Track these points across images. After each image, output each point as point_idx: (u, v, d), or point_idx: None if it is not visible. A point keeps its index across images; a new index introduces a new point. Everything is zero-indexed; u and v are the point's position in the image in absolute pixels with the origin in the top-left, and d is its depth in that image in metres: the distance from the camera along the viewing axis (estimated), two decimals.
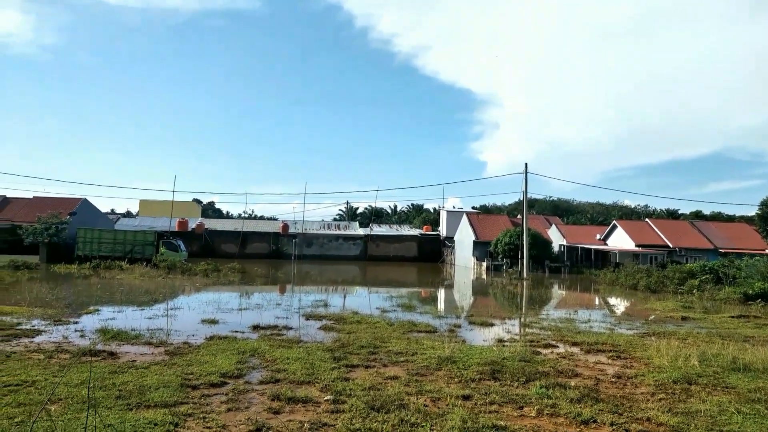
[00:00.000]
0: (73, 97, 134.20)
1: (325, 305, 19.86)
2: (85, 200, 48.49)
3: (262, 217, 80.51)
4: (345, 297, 25.24)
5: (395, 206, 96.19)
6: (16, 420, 6.12)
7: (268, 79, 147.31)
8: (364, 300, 23.87)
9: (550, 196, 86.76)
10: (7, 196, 48.26)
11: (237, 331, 13.51)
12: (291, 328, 14.24)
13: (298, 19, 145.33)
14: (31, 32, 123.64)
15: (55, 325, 13.86)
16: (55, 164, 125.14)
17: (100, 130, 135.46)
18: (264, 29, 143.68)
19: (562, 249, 51.94)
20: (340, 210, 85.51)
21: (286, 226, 59.08)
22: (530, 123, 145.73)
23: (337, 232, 61.49)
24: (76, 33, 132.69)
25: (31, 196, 48.42)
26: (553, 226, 55.61)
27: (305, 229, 59.83)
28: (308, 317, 16.52)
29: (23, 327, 13.24)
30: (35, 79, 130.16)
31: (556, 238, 52.75)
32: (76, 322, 14.38)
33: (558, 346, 12.59)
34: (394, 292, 26.61)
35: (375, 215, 79.95)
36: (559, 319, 17.84)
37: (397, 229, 65.90)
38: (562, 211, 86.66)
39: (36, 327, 13.36)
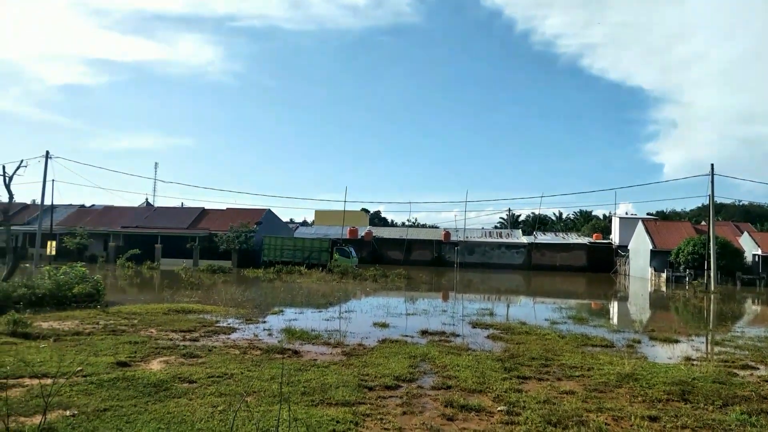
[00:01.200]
0: (256, 117, 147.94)
1: (491, 314, 19.66)
2: (269, 211, 53.17)
3: (424, 225, 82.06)
4: (510, 306, 24.76)
5: (560, 213, 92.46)
6: (219, 408, 6.87)
7: (431, 89, 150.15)
8: (530, 310, 23.22)
9: (740, 201, 77.52)
10: (206, 207, 54.61)
11: (406, 336, 13.89)
12: (458, 335, 14.31)
13: (458, 29, 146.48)
14: (221, 62, 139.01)
15: (246, 323, 15.35)
16: (245, 178, 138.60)
17: (280, 146, 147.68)
18: (426, 42, 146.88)
19: (757, 259, 46.03)
20: (501, 217, 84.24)
21: (447, 234, 59.57)
22: (721, 120, 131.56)
23: (500, 240, 60.59)
24: (258, 59, 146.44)
25: (225, 208, 54.29)
26: (745, 233, 49.50)
27: (467, 237, 59.80)
28: (474, 325, 16.47)
29: (221, 324, 14.85)
30: (226, 102, 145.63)
31: (749, 248, 46.91)
32: (264, 322, 15.80)
33: (759, 368, 11.17)
34: (563, 303, 25.53)
35: (539, 222, 77.41)
36: (758, 338, 15.81)
37: (563, 237, 63.23)
38: (755, 216, 76.86)
39: (231, 325, 14.90)
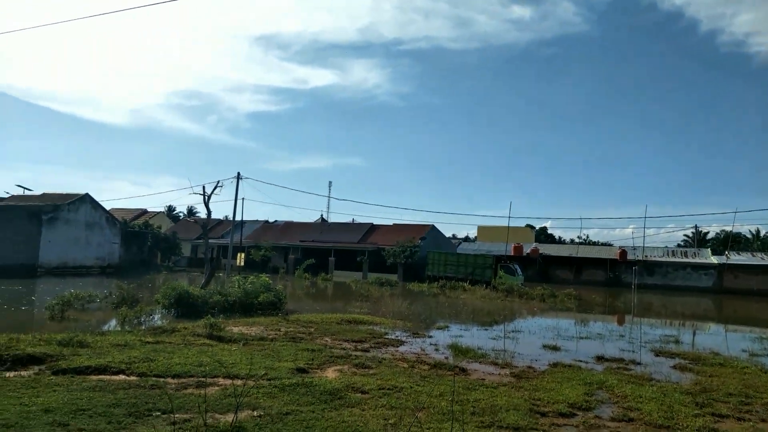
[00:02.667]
0: (421, 135, 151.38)
1: (676, 341, 17.84)
2: (433, 227, 53.90)
3: (596, 243, 77.42)
4: (698, 333, 22.29)
5: (757, 230, 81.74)
6: (390, 422, 6.98)
7: (601, 99, 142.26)
8: (722, 339, 20.70)
9: None
10: (374, 223, 56.88)
11: (580, 360, 13.10)
12: (639, 363, 13.16)
13: (632, 35, 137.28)
14: (389, 84, 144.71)
15: (413, 337, 15.58)
16: (411, 195, 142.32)
17: (444, 162, 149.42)
18: (596, 50, 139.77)
19: None
20: (685, 235, 76.62)
21: (624, 253, 55.54)
22: None
23: (685, 259, 55.07)
24: (423, 80, 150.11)
25: (392, 223, 56.12)
26: None
27: (646, 256, 55.22)
28: (657, 353, 15.05)
29: (389, 337, 15.23)
30: (393, 122, 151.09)
31: None
32: (430, 336, 15.91)
33: None
34: (763, 333, 22.39)
35: (731, 241, 69.14)
36: None
37: (762, 258, 55.77)
38: None
39: (399, 338, 15.21)
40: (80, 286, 24.80)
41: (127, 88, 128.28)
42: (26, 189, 48.44)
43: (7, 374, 8.50)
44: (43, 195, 45.57)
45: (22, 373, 8.65)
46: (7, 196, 46.94)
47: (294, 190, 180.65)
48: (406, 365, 11.04)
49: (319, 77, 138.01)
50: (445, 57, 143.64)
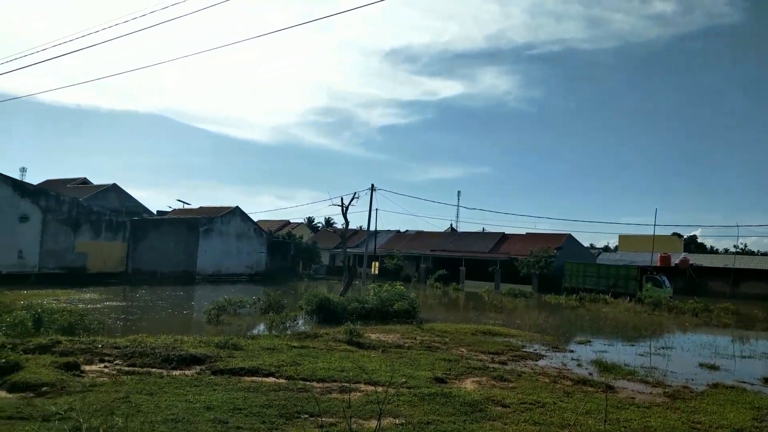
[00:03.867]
0: (554, 141, 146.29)
1: None
2: (570, 236, 51.67)
3: (755, 253, 69.81)
4: None
5: None
6: None
7: (761, 94, 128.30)
8: None
9: None
10: (506, 232, 55.73)
11: (744, 382, 11.85)
12: None
13: None
14: (518, 90, 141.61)
15: (553, 351, 15.00)
16: (544, 203, 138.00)
17: (579, 168, 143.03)
18: (750, 42, 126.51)
19: None
20: None
21: None
22: None
23: None
24: (555, 84, 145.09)
25: (525, 233, 54.59)
26: None
27: None
28: None
29: (527, 350, 14.79)
30: (523, 129, 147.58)
31: None
32: (572, 351, 15.22)
33: None
34: None
35: None
36: None
37: None
38: None
39: (537, 351, 14.72)
40: (232, 292, 26.84)
41: (269, 108, 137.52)
42: (185, 203, 53.56)
43: (174, 372, 9.38)
44: (200, 208, 50.06)
45: (186, 372, 9.50)
46: (170, 210, 52.16)
47: (424, 200, 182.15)
48: (547, 380, 10.65)
49: (448, 88, 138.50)
50: (578, 59, 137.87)
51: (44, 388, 7.73)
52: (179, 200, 52.53)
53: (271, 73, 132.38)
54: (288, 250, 56.52)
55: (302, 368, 9.89)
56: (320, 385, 8.90)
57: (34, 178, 54.83)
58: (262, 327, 18.39)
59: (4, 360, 8.66)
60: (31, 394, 7.48)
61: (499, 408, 8.09)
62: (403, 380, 9.16)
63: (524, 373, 11.25)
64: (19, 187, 36.75)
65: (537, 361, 13.18)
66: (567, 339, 18.17)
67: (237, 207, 48.62)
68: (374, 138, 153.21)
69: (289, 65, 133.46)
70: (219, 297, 21.85)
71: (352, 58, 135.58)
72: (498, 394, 8.95)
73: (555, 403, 8.58)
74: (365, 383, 8.97)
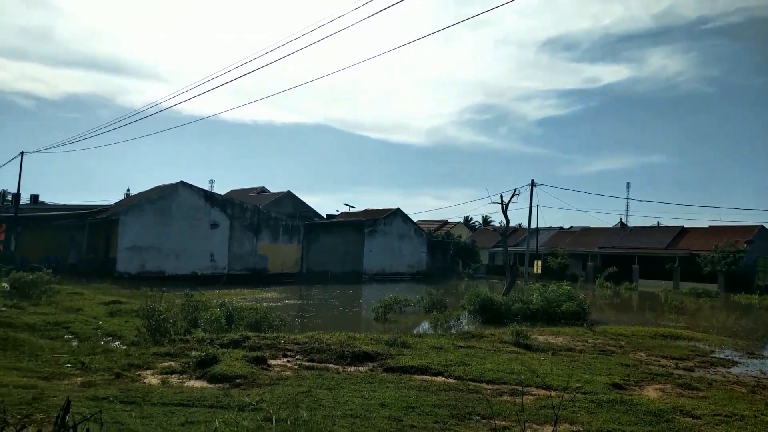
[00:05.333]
0: (740, 123, 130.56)
1: None
2: (763, 227, 45.84)
3: None
4: None
5: None
6: None
7: None
8: None
9: None
10: (685, 226, 50.93)
11: None
12: None
13: None
14: (693, 70, 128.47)
15: (747, 357, 13.43)
16: (732, 191, 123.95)
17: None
18: None
19: None
20: None
21: None
22: None
23: None
24: (737, 58, 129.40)
25: (707, 226, 49.47)
26: None
27: None
28: None
29: (716, 356, 13.38)
30: (701, 112, 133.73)
31: None
32: None
33: None
34: None
35: None
36: None
37: None
38: None
39: (729, 357, 13.26)
40: (396, 291, 27.66)
41: (425, 111, 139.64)
42: (351, 207, 56.34)
43: (349, 369, 9.88)
44: (365, 211, 52.36)
45: (360, 368, 9.96)
46: (337, 213, 55.20)
47: (589, 194, 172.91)
48: (744, 390, 9.55)
49: (612, 73, 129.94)
50: (765, 28, 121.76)
51: (238, 380, 8.56)
52: (346, 204, 55.54)
53: (425, 76, 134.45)
54: (447, 250, 56.93)
55: (470, 368, 9.88)
56: (490, 386, 8.83)
57: (221, 189, 61.22)
58: (426, 325, 18.71)
59: (204, 353, 9.74)
60: (228, 385, 8.32)
61: (689, 419, 7.41)
62: (578, 385, 8.76)
63: (715, 381, 10.19)
64: (209, 197, 41.26)
65: (729, 368, 11.87)
66: (764, 344, 16.13)
67: (398, 208, 50.05)
68: (533, 132, 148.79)
69: (442, 66, 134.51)
70: (384, 295, 22.62)
71: (506, 52, 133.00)
72: (686, 403, 8.20)
73: (756, 417, 7.66)
74: (537, 387, 8.73)
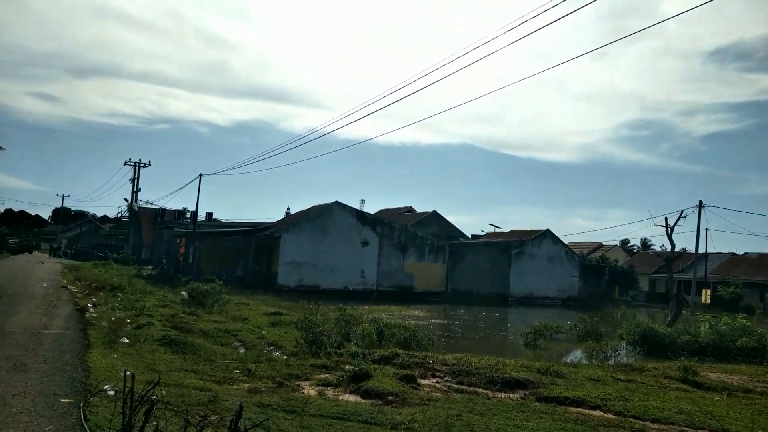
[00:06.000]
0: None
1: None
2: None
3: None
4: None
5: None
6: None
7: None
8: None
9: None
10: None
11: None
12: None
13: None
14: None
15: None
16: None
17: None
18: None
19: None
20: None
21: None
22: None
23: None
24: None
25: None
26: None
27: None
28: None
29: None
30: None
31: None
32: None
33: None
34: None
35: None
36: None
37: None
38: None
39: None
40: (545, 316, 26.61)
41: (575, 127, 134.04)
42: (496, 227, 55.48)
43: (499, 395, 9.64)
44: (511, 232, 51.26)
45: (511, 395, 9.67)
46: (482, 233, 54.65)
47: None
48: None
49: None
50: None
51: (389, 397, 8.71)
52: (491, 224, 54.82)
53: (577, 92, 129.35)
54: (602, 275, 53.71)
55: (632, 404, 9.16)
56: (655, 425, 8.12)
57: (370, 208, 63.54)
58: (579, 354, 17.75)
59: (357, 368, 10.08)
60: (380, 402, 8.49)
61: None
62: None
63: None
64: (361, 216, 42.99)
65: None
66: None
67: (547, 230, 48.32)
68: (698, 149, 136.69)
69: (596, 81, 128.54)
70: (532, 320, 21.88)
71: (666, 64, 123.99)
72: None
73: None
74: (710, 430, 7.87)
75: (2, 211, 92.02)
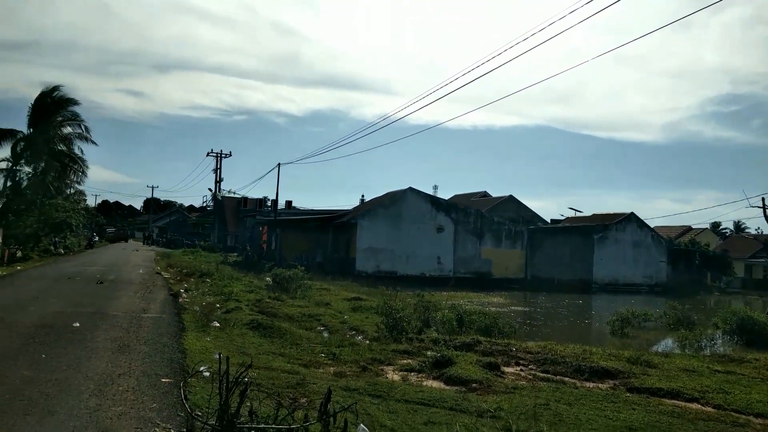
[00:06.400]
0: None
1: None
2: None
3: None
4: None
5: None
6: None
7: None
8: None
9: None
10: None
11: None
12: None
13: None
14: None
15: None
16: None
17: None
18: None
19: None
20: None
21: None
22: None
23: None
24: None
25: None
26: None
27: None
28: None
29: None
30: None
31: None
32: None
33: None
34: None
35: None
36: None
37: None
38: None
39: None
40: (632, 303, 25.56)
41: (658, 105, 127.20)
42: (577, 211, 53.73)
43: (587, 384, 9.36)
44: (593, 216, 49.46)
45: (600, 385, 9.36)
46: (562, 218, 53.10)
47: None
48: None
49: None
50: None
51: (473, 384, 8.64)
52: (571, 208, 53.10)
53: (659, 67, 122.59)
54: (692, 260, 50.92)
55: (732, 397, 8.65)
56: (760, 421, 7.62)
57: (444, 194, 63.22)
58: (670, 343, 16.98)
59: (440, 354, 10.07)
60: (464, 389, 8.44)
61: None
62: None
63: None
64: (435, 202, 42.80)
65: None
66: None
67: (632, 213, 46.28)
68: None
69: (679, 55, 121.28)
70: (618, 308, 21.05)
71: (758, 34, 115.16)
72: None
73: None
74: None
75: (99, 202, 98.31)
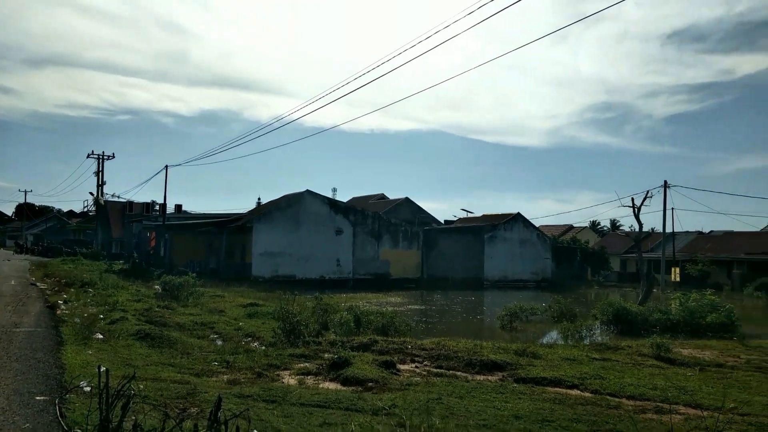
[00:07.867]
0: None
1: None
2: None
3: None
4: None
5: None
6: None
7: None
8: None
9: None
10: None
11: None
12: None
13: None
14: None
15: None
16: None
17: None
18: None
19: None
20: None
21: None
22: None
23: None
24: None
25: None
26: None
27: None
28: None
29: None
30: None
31: None
32: None
33: None
34: None
35: None
36: None
37: None
38: None
39: None
40: (520, 298, 26.94)
41: (542, 112, 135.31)
42: (468, 212, 55.84)
43: (478, 377, 9.74)
44: (483, 216, 51.65)
45: (489, 377, 9.77)
46: (455, 219, 54.96)
47: (731, 195, 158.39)
48: None
49: (750, 63, 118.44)
50: None
51: (370, 384, 8.71)
52: (463, 209, 55.17)
53: (542, 76, 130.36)
54: (574, 256, 54.53)
55: (608, 382, 9.34)
56: (631, 402, 8.28)
57: (342, 196, 63.32)
58: (555, 335, 18.02)
59: (336, 356, 10.06)
60: (360, 389, 8.49)
61: None
62: (733, 405, 7.98)
63: None
64: (333, 204, 42.80)
65: None
66: None
67: (518, 213, 48.81)
68: (661, 130, 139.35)
69: (560, 65, 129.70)
70: (508, 303, 22.10)
71: (627, 48, 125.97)
72: None
73: None
74: (685, 405, 8.06)
75: None
